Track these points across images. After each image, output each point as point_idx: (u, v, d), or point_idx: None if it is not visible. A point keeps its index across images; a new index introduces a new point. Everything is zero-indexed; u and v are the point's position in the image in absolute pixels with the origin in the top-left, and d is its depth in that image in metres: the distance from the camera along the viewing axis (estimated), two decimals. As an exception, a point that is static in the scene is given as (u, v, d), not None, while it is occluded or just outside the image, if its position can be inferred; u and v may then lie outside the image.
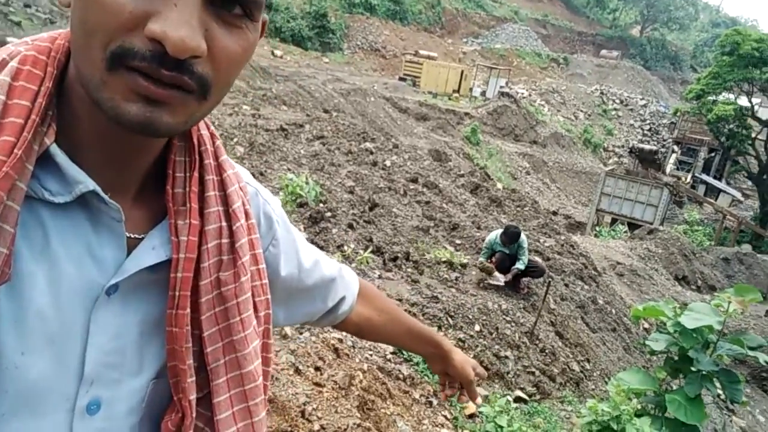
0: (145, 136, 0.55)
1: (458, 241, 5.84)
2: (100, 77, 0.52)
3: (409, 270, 5.04)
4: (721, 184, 31.85)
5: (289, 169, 6.01)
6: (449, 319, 4.34)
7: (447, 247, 5.65)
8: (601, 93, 41.77)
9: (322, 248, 4.90)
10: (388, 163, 7.37)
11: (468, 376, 1.18)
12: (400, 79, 30.14)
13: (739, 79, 24.42)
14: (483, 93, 33.05)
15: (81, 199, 0.57)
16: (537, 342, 4.71)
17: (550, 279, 5.51)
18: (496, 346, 4.34)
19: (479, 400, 1.28)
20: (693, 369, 4.03)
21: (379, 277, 4.73)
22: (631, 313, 5.36)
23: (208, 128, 0.69)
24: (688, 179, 28.27)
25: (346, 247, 4.74)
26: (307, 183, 2.88)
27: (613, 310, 6.36)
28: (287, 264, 0.82)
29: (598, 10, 64.87)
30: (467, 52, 43.05)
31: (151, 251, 0.62)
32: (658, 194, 20.29)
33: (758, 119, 25.41)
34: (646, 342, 4.42)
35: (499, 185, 11.90)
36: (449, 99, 29.35)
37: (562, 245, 7.09)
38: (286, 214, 0.85)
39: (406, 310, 4.38)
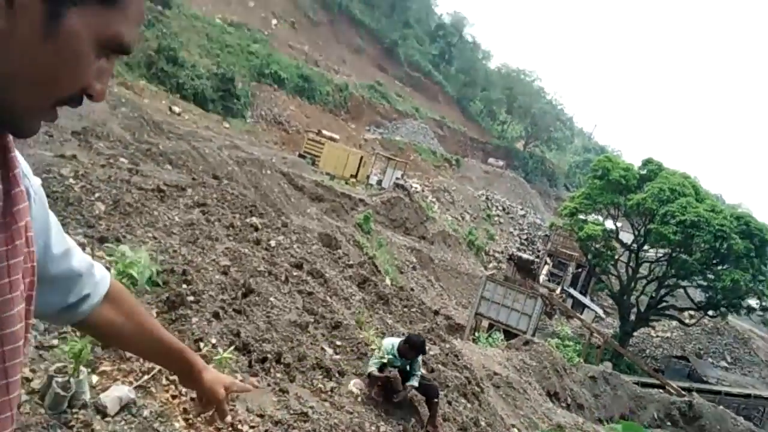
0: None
1: (339, 343, 5.21)
2: (39, 108, 0.61)
3: (278, 375, 4.30)
4: (586, 300, 34.13)
5: (154, 237, 5.16)
6: (318, 444, 3.64)
7: (326, 349, 5.00)
8: (487, 198, 44.46)
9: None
10: (273, 243, 6.70)
11: (216, 395, 1.17)
12: (300, 155, 29.98)
13: (607, 202, 26.98)
14: (379, 182, 33.70)
15: None
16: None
17: (436, 399, 5.00)
18: (369, 481, 3.69)
19: (228, 418, 1.18)
20: None
21: (242, 381, 3.94)
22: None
23: None
24: (558, 291, 30.03)
25: (203, 343, 3.94)
26: (140, 260, 2.25)
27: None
28: (35, 244, 0.76)
29: (489, 120, 70.52)
30: (368, 140, 44.32)
31: None
32: (532, 304, 21.14)
33: (621, 242, 27.97)
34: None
35: (388, 280, 11.54)
36: (346, 183, 29.49)
37: (447, 354, 6.69)
38: (44, 194, 0.82)
39: (265, 431, 3.62)
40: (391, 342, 4.96)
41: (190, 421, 3.04)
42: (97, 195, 5.71)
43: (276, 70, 39.27)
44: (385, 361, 4.77)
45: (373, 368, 4.79)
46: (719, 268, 24.31)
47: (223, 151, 17.51)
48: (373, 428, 4.13)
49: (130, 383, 2.81)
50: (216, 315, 4.31)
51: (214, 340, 4.05)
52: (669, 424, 15.44)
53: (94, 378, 2.64)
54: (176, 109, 26.28)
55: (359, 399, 4.58)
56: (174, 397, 3.08)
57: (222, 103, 32.38)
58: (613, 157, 29.45)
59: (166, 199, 6.78)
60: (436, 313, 15.19)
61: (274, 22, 50.30)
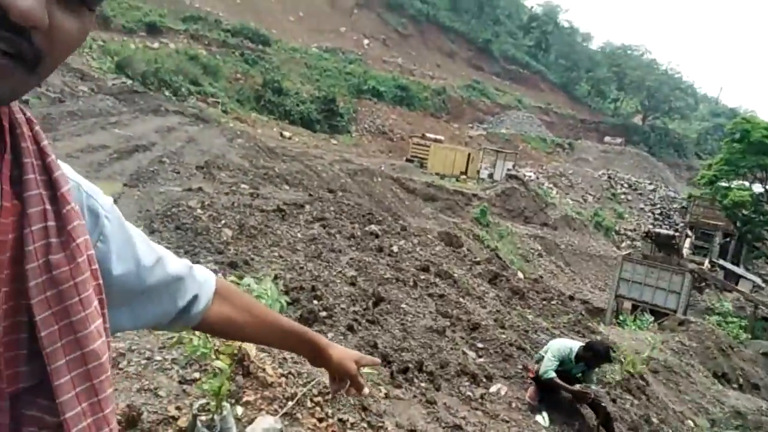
0: None
1: (480, 345, 4.85)
2: None
3: (422, 385, 4.03)
4: (740, 270, 30.72)
5: (280, 256, 5.15)
6: (477, 458, 3.31)
7: (468, 353, 4.66)
8: (609, 177, 41.70)
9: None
10: (395, 248, 6.50)
11: (348, 370, 1.18)
12: (408, 160, 30.09)
13: (751, 165, 24.14)
14: (490, 175, 32.85)
15: None
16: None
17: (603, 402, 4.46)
18: (540, 498, 3.29)
19: (366, 390, 1.27)
20: None
21: (386, 396, 3.72)
22: None
23: (24, 113, 0.67)
24: (706, 264, 27.25)
25: (343, 358, 3.78)
26: (266, 291, 2.10)
27: (670, 431, 5.26)
28: (121, 262, 0.79)
29: (599, 99, 66.87)
30: (473, 136, 43.55)
31: None
32: (680, 280, 19.32)
33: (775, 205, 24.83)
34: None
35: (520, 274, 10.94)
36: (457, 180, 29.06)
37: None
38: (118, 211, 0.81)
39: (420, 447, 3.36)
40: (566, 345, 4.47)
41: (340, 444, 2.86)
42: (223, 222, 5.86)
43: (373, 85, 40.38)
44: (559, 366, 4.33)
45: (552, 374, 4.35)
46: None
47: (334, 166, 17.91)
48: (534, 436, 3.72)
49: (275, 411, 2.68)
50: (350, 328, 4.15)
51: (352, 354, 3.88)
52: None
53: (239, 409, 2.54)
54: (286, 133, 27.52)
55: (513, 404, 4.18)
56: (321, 420, 2.92)
57: (327, 123, 33.65)
58: (752, 117, 26.27)
59: (287, 218, 6.85)
60: (571, 298, 14.23)
61: (366, 42, 51.57)
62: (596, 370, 4.44)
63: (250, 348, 2.75)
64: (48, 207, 0.65)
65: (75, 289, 0.65)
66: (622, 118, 64.13)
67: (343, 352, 1.20)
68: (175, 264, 0.93)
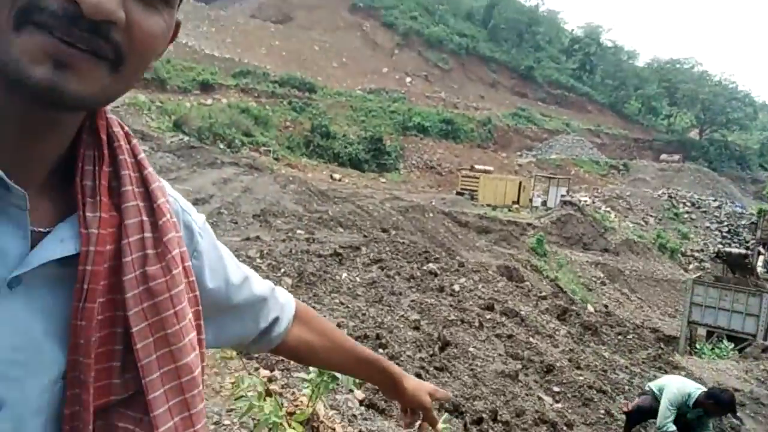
0: (51, 107, 0.54)
1: (557, 389, 4.57)
2: (5, 37, 0.50)
3: (498, 436, 3.80)
4: (824, 287, 28.57)
5: (341, 303, 5.07)
6: None
7: (544, 398, 4.39)
8: (669, 196, 40.08)
9: (383, 411, 3.78)
10: (456, 287, 6.32)
11: (423, 403, 1.18)
12: (458, 193, 29.92)
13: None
14: (544, 203, 32.18)
15: None
16: None
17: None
18: None
19: (440, 426, 1.28)
20: None
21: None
22: None
23: (122, 127, 0.68)
24: (784, 283, 25.46)
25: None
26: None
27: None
28: (213, 278, 0.81)
29: (651, 117, 65.12)
30: (522, 165, 42.99)
31: (59, 244, 0.59)
32: (757, 302, 18.06)
33: None
34: None
35: (590, 308, 10.47)
36: (509, 210, 28.62)
37: (646, 384, 5.62)
38: (210, 229, 0.83)
39: None
40: (684, 390, 4.08)
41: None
42: (282, 270, 5.87)
43: (418, 121, 40.81)
44: (676, 411, 4.00)
45: (672, 427, 4.03)
46: None
47: (384, 204, 17.94)
48: (627, 491, 3.41)
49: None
50: (418, 376, 3.98)
51: (423, 405, 3.71)
52: None
53: (313, 475, 2.42)
54: (336, 176, 27.96)
55: (598, 453, 3.87)
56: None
57: (375, 162, 34.06)
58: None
59: (345, 261, 6.81)
60: (639, 327, 13.47)
61: (409, 79, 52.48)
62: (713, 419, 4.05)
63: (320, 407, 2.65)
64: (145, 218, 0.66)
65: (170, 301, 0.65)
66: (677, 134, 62.10)
67: (418, 384, 1.20)
68: (260, 285, 0.94)
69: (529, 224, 25.93)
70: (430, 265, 7.38)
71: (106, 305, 0.62)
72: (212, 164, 16.09)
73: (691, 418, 4.01)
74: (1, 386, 0.57)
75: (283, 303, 1.00)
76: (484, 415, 3.88)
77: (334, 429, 2.85)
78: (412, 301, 5.61)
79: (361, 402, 3.64)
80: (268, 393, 2.24)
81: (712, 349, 15.04)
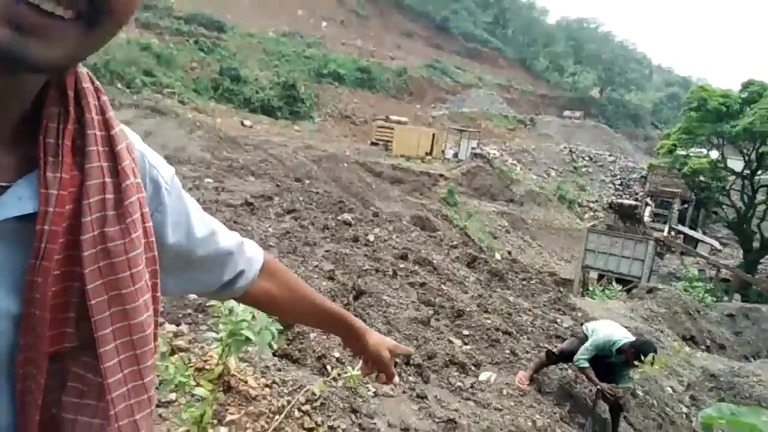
0: (12, 70, 0.53)
1: (466, 332, 4.74)
2: None
3: (411, 379, 3.90)
4: (698, 235, 31.77)
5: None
6: (474, 453, 3.20)
7: (454, 341, 4.55)
8: (570, 151, 42.28)
9: (297, 361, 3.75)
10: (371, 237, 6.33)
11: (382, 357, 1.22)
12: (372, 144, 29.86)
13: (708, 133, 24.73)
14: (455, 155, 32.92)
15: None
16: (586, 469, 3.59)
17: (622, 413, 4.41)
18: (540, 488, 3.21)
19: (396, 379, 1.31)
20: None
21: (375, 394, 3.58)
22: (701, 420, 4.28)
23: (93, 82, 0.68)
24: (665, 232, 28.03)
25: (327, 359, 3.60)
26: (250, 323, 1.88)
27: (654, 402, 5.29)
28: (175, 232, 0.82)
29: (557, 74, 67.65)
30: (436, 117, 43.48)
31: (17, 201, 0.60)
32: (643, 248, 19.82)
33: (731, 170, 25.56)
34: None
35: (498, 255, 10.92)
36: (422, 162, 29.01)
37: (582, 324, 6.04)
38: (178, 182, 0.83)
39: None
40: (612, 338, 4.19)
41: (335, 453, 2.71)
42: (189, 219, 5.57)
43: (334, 69, 39.74)
44: (597, 353, 4.15)
45: (585, 364, 4.18)
46: None
47: (298, 153, 17.54)
48: (529, 423, 3.63)
49: (262, 428, 2.49)
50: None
51: (337, 354, 3.71)
52: (830, 348, 13.75)
53: (223, 431, 2.34)
54: (247, 122, 26.88)
55: (504, 392, 4.09)
56: (311, 430, 2.75)
57: (288, 109, 32.98)
58: (707, 86, 26.83)
59: (257, 211, 6.59)
60: (539, 272, 14.36)
61: (324, 24, 50.69)
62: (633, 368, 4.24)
63: (231, 361, 2.56)
64: (108, 180, 0.66)
65: (127, 263, 0.67)
66: (580, 91, 65.11)
67: (380, 339, 1.23)
68: (227, 238, 0.95)
69: (441, 175, 26.49)
70: (345, 215, 7.33)
71: (63, 261, 0.63)
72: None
73: (614, 362, 4.22)
74: None
75: (251, 257, 1.01)
76: (397, 360, 3.95)
77: (246, 382, 2.78)
78: (327, 251, 5.55)
79: (274, 353, 3.58)
80: (174, 351, 2.12)
81: (603, 290, 16.36)
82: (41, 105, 0.63)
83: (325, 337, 3.82)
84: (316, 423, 2.83)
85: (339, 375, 3.45)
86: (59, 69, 0.58)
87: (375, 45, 50.98)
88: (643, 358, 3.89)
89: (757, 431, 2.55)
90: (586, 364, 4.18)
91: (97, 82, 0.69)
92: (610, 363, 4.26)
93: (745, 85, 24.81)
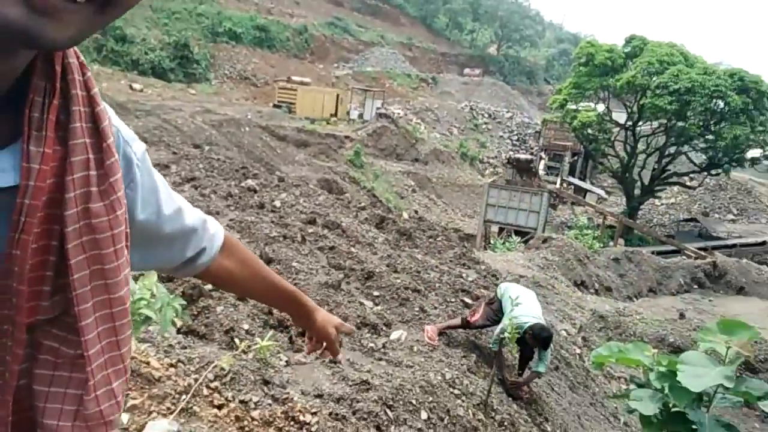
0: (24, 47, 0.54)
1: (377, 293, 4.81)
2: None
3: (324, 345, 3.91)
4: (586, 185, 34.15)
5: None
6: (388, 411, 3.28)
7: (365, 303, 4.59)
8: (471, 108, 43.48)
9: (203, 337, 3.62)
10: (277, 203, 6.18)
11: (329, 334, 1.28)
12: (275, 106, 28.96)
13: (596, 87, 26.30)
14: (360, 115, 32.77)
15: None
16: (493, 414, 3.80)
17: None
18: (452, 436, 3.37)
19: (340, 356, 1.52)
20: (690, 429, 3.33)
21: (287, 363, 3.55)
22: (592, 359, 4.59)
23: (78, 57, 0.67)
24: (558, 184, 29.88)
25: (235, 332, 3.50)
26: (150, 301, 1.76)
27: (551, 345, 5.70)
28: (144, 209, 0.83)
29: (456, 32, 68.51)
30: (340, 77, 42.84)
31: (0, 174, 0.61)
32: (538, 200, 20.97)
33: (616, 123, 27.48)
34: (629, 402, 3.65)
35: (405, 215, 11.09)
36: (327, 123, 28.64)
37: (485, 276, 6.32)
38: (149, 158, 0.84)
39: (331, 413, 3.26)
40: (520, 319, 4.19)
41: (247, 428, 2.65)
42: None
43: (229, 27, 37.58)
44: (509, 336, 4.18)
45: (495, 347, 4.26)
46: (719, 126, 23.94)
47: (196, 118, 16.65)
48: (439, 377, 3.78)
49: (168, 410, 2.39)
50: (240, 297, 3.86)
51: (246, 326, 3.62)
52: (696, 287, 15.49)
53: (124, 417, 2.21)
54: (136, 86, 25.02)
55: (414, 348, 4.21)
56: (221, 407, 2.68)
57: (182, 71, 31.06)
58: (594, 41, 28.35)
59: (152, 182, 6.19)
60: (445, 228, 14.87)
61: (216, -23, 47.57)
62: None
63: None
64: (91, 156, 0.66)
65: (112, 239, 0.68)
66: (478, 49, 66.41)
67: (327, 316, 1.28)
68: (192, 215, 0.96)
69: (346, 137, 26.32)
70: (249, 181, 7.09)
71: (42, 234, 0.63)
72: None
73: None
74: None
75: (213, 234, 1.02)
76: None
77: (148, 363, 2.64)
78: (231, 219, 5.36)
79: (178, 330, 3.43)
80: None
81: (503, 243, 17.24)
82: (26, 77, 0.62)
83: (232, 309, 3.71)
84: (226, 399, 2.76)
85: (248, 347, 3.38)
86: (66, 48, 0.59)
87: (273, 2, 48.83)
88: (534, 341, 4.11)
89: (641, 365, 2.75)
90: (497, 348, 4.32)
91: (82, 57, 0.68)
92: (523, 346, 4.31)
93: (628, 40, 26.50)
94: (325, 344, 1.30)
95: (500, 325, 4.33)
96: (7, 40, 0.50)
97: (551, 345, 4.48)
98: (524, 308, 4.36)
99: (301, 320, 1.26)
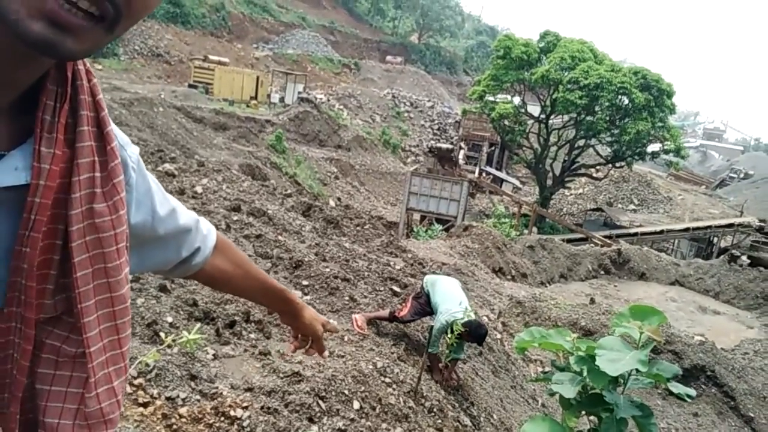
0: (43, 56, 0.58)
1: (305, 282, 4.71)
2: None
3: (252, 336, 3.78)
4: (503, 174, 35.48)
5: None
6: (320, 402, 3.22)
7: (294, 292, 4.49)
8: (393, 96, 43.74)
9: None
10: (198, 189, 5.90)
11: (316, 332, 1.31)
12: (190, 86, 27.68)
13: (512, 80, 27.21)
14: (282, 99, 32.09)
15: None
16: (423, 401, 3.85)
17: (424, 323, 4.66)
18: (384, 425, 3.36)
19: (326, 353, 1.42)
20: (607, 410, 3.54)
21: (215, 356, 3.40)
22: (515, 345, 4.76)
23: (85, 65, 0.70)
24: (476, 173, 30.79)
25: (159, 325, 3.30)
26: None
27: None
28: (139, 211, 0.84)
29: (378, 18, 68.50)
30: (260, 58, 41.64)
31: (13, 172, 0.63)
32: (459, 189, 21.50)
33: (530, 115, 28.63)
34: (551, 386, 3.82)
35: (332, 203, 10.96)
36: (247, 106, 27.79)
37: (412, 264, 6.38)
38: (142, 161, 0.86)
39: (263, 406, 3.16)
40: (454, 314, 4.19)
41: (175, 426, 2.51)
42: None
43: None
44: (444, 329, 4.10)
45: (436, 350, 4.22)
46: (624, 122, 25.52)
47: (104, 96, 15.56)
48: (370, 366, 3.77)
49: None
50: (163, 288, 3.65)
51: (170, 318, 3.43)
52: (603, 272, 16.52)
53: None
54: (35, 58, 23.02)
55: (345, 338, 4.18)
56: (146, 404, 2.52)
57: (87, 44, 28.87)
58: (512, 35, 29.26)
59: (58, 164, 5.71)
60: (374, 217, 14.92)
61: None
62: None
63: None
64: (97, 158, 0.69)
65: (114, 238, 0.71)
66: (400, 37, 66.79)
67: (314, 314, 1.30)
68: (185, 216, 0.97)
69: (267, 121, 25.65)
70: (166, 165, 6.72)
71: (48, 233, 0.65)
72: None
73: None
74: None
75: (206, 234, 1.03)
76: (236, 318, 3.79)
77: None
78: (149, 206, 5.05)
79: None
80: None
81: (426, 231, 17.56)
82: (40, 81, 0.65)
83: (154, 301, 3.50)
84: (151, 396, 2.60)
85: (174, 341, 3.20)
86: (80, 58, 0.64)
87: (186, -25, 46.42)
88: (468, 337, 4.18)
89: (563, 349, 2.84)
90: (437, 350, 4.34)
91: (88, 65, 0.71)
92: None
93: (543, 36, 27.60)
94: (311, 341, 1.31)
95: (435, 329, 4.30)
96: (31, 50, 0.55)
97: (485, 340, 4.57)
98: (455, 302, 4.41)
99: (290, 318, 1.27)
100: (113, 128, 0.77)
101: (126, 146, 0.80)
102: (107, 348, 0.72)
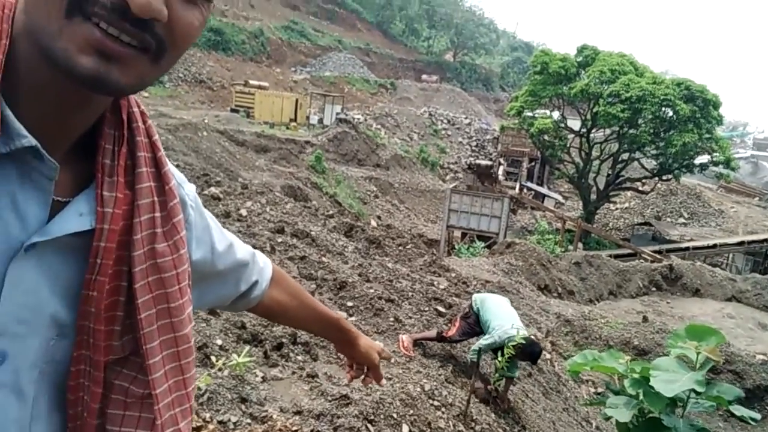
0: (94, 92, 0.58)
1: (350, 303, 4.70)
2: (57, 25, 0.53)
3: (299, 359, 3.78)
4: (544, 190, 34.94)
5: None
6: (369, 426, 3.18)
7: (339, 314, 4.48)
8: (430, 114, 43.85)
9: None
10: (243, 212, 6.00)
11: (372, 360, 1.28)
12: (232, 110, 28.45)
13: (551, 95, 26.93)
14: (320, 120, 32.57)
15: (16, 152, 0.57)
16: (473, 425, 3.75)
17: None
18: (434, 450, 3.29)
19: (383, 381, 1.43)
20: (667, 434, 3.36)
21: (264, 379, 3.40)
22: (568, 368, 4.59)
23: (139, 107, 0.72)
24: (517, 189, 30.43)
25: (209, 348, 3.33)
26: None
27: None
28: (199, 248, 0.84)
29: (413, 38, 69.14)
30: (298, 81, 42.50)
31: (78, 218, 0.64)
32: (500, 205, 21.25)
33: (570, 129, 28.20)
34: (606, 410, 3.66)
35: (373, 222, 10.99)
36: (287, 128, 28.32)
37: (456, 284, 6.30)
38: (199, 198, 0.86)
39: (312, 430, 3.14)
40: (508, 332, 4.12)
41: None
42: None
43: (183, 28, 36.60)
44: (494, 346, 4.07)
45: (475, 357, 4.15)
46: (669, 134, 24.83)
47: (151, 122, 16.12)
48: (418, 389, 3.71)
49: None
50: (212, 311, 3.70)
51: (219, 341, 3.46)
52: (654, 289, 15.93)
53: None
54: (86, 89, 24.12)
55: (392, 360, 4.13)
56: (200, 429, 2.52)
57: (135, 73, 30.10)
58: (548, 50, 29.02)
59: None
60: (415, 236, 14.85)
61: (167, -23, 46.33)
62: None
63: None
64: (156, 199, 0.70)
65: (176, 278, 0.71)
66: (435, 56, 67.18)
67: (369, 343, 1.29)
68: (242, 250, 0.98)
69: (307, 142, 26.07)
70: (212, 189, 6.87)
71: (113, 276, 0.66)
72: None
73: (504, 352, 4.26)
74: (6, 341, 0.61)
75: (262, 266, 1.04)
76: (284, 340, 3.80)
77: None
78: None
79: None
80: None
81: (468, 248, 17.39)
82: (96, 126, 0.67)
83: (204, 324, 3.54)
84: (204, 420, 2.61)
85: (224, 365, 3.23)
86: (132, 93, 0.64)
87: (226, 3, 48.01)
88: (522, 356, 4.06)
89: (616, 372, 2.74)
90: (476, 359, 4.25)
91: (143, 107, 0.73)
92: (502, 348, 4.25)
93: (580, 50, 27.28)
94: (367, 369, 1.31)
95: (485, 341, 4.22)
96: (84, 87, 0.56)
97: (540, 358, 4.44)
98: (507, 320, 4.31)
99: (345, 346, 1.27)
100: (170, 168, 0.77)
101: (183, 184, 0.81)
102: (173, 389, 0.72)
